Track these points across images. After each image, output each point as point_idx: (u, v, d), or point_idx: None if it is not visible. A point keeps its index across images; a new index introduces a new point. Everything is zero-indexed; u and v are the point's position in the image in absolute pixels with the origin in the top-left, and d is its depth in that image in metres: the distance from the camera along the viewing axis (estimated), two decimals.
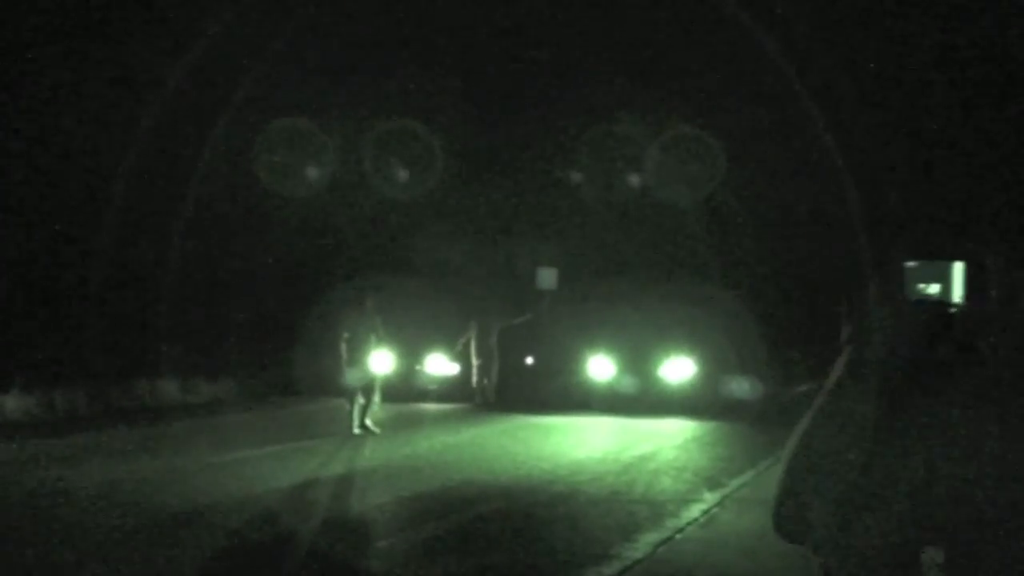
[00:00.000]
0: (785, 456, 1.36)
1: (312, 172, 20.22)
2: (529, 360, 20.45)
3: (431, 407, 17.50)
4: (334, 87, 19.29)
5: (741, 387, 18.33)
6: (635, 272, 20.31)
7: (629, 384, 18.28)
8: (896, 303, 1.43)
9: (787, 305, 20.12)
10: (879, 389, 1.35)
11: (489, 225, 21.66)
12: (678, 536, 7.93)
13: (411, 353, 18.05)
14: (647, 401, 17.48)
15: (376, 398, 13.30)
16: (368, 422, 13.31)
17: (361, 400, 13.21)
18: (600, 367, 18.64)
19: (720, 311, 18.05)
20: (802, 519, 1.28)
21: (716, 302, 18.27)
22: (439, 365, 19.39)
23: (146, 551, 7.25)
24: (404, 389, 16.89)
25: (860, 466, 1.23)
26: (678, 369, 18.30)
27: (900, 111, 18.23)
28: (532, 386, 18.86)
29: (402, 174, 21.20)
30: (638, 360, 18.41)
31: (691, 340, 18.28)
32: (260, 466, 10.73)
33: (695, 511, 8.82)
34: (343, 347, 13.12)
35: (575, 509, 8.89)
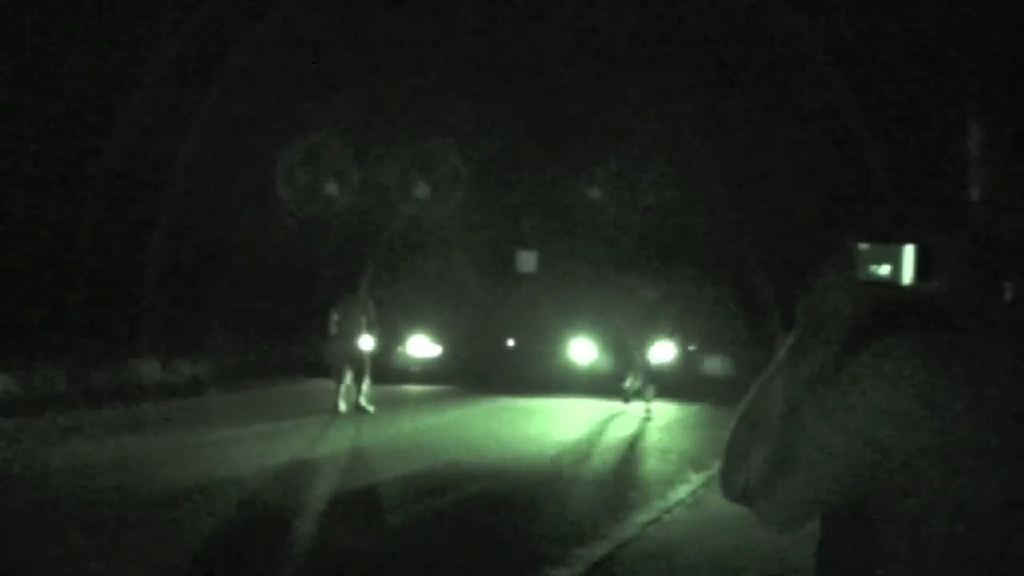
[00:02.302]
0: (733, 423, 1.41)
1: (331, 188, 20.16)
2: (510, 342, 20.51)
3: (413, 388, 17.49)
4: (336, 100, 19.20)
5: (714, 365, 18.44)
6: (615, 255, 20.35)
7: (610, 366, 18.34)
8: (846, 281, 1.47)
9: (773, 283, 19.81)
10: (821, 360, 1.40)
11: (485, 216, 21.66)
12: (666, 516, 7.99)
13: (392, 334, 18.04)
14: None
15: (366, 377, 13.53)
16: (362, 401, 13.51)
17: (348, 380, 13.38)
18: (582, 350, 18.70)
19: (698, 291, 18.15)
20: (743, 480, 1.34)
21: (694, 283, 18.35)
22: (421, 347, 19.40)
23: (133, 532, 7.22)
24: (386, 371, 16.88)
25: (787, 429, 1.28)
26: (658, 352, 18.36)
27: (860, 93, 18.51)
28: (513, 368, 18.90)
29: (421, 189, 21.15)
30: (619, 342, 18.46)
31: (670, 322, 18.34)
32: (246, 446, 10.70)
33: (682, 492, 8.88)
34: (333, 327, 13.31)
35: (563, 490, 8.93)
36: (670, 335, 17.57)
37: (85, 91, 15.92)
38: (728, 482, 1.37)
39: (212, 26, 16.46)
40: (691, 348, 18.20)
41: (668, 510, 8.19)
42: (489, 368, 18.74)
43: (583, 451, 11.08)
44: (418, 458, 10.28)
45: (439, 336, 19.56)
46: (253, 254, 19.61)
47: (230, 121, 17.43)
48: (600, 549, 6.95)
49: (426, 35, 19.84)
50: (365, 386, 13.57)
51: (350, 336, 13.37)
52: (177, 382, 17.26)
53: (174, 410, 13.91)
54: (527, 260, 21.31)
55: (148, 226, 17.15)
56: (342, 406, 13.38)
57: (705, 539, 7.39)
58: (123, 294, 17.31)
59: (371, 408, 13.52)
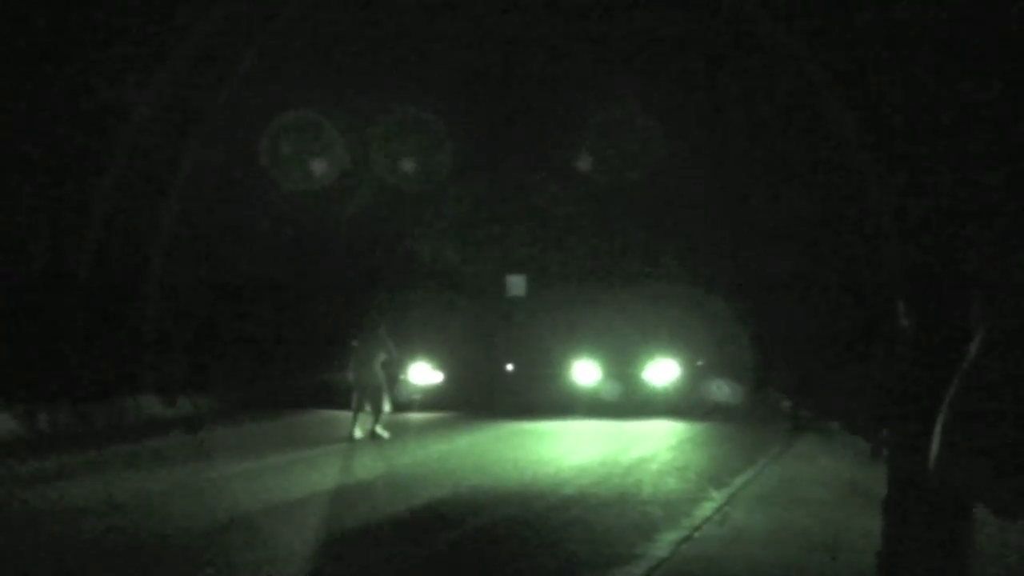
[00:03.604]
0: (939, 422, 1.46)
1: (318, 165, 20.11)
2: (509, 367, 20.47)
3: (417, 416, 17.43)
4: (328, 79, 19.17)
5: (721, 390, 18.40)
6: (615, 275, 20.35)
7: (614, 388, 18.36)
8: None
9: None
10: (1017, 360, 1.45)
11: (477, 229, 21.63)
12: (696, 534, 7.99)
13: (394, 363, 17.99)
14: (632, 404, 17.57)
15: (386, 407, 13.74)
16: (378, 428, 13.77)
17: (366, 408, 13.63)
18: (585, 372, 18.70)
19: (704, 313, 18.18)
20: (956, 471, 1.39)
21: (700, 304, 18.37)
22: (423, 374, 19.35)
23: (157, 568, 7.16)
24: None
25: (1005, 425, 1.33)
26: (662, 371, 18.41)
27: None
28: (515, 392, 18.85)
29: (408, 165, 21.10)
30: (622, 363, 18.49)
31: (675, 342, 18.40)
32: (262, 479, 10.63)
33: (707, 509, 8.90)
34: (352, 358, 13.80)
35: (588, 511, 8.92)
36: None
37: (80, 124, 15.86)
38: (951, 471, 1.40)
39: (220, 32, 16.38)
40: (699, 364, 18.12)
41: (697, 527, 8.20)
42: (490, 393, 18.70)
43: (601, 472, 11.08)
44: (439, 484, 10.25)
45: (439, 363, 19.52)
46: (251, 288, 19.56)
47: (227, 147, 17.45)
48: (637, 569, 6.95)
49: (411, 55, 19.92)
50: (383, 414, 13.81)
51: (368, 367, 13.73)
52: (179, 416, 17.13)
53: (183, 446, 13.80)
54: (516, 284, 21.40)
55: (146, 260, 17.10)
56: (357, 433, 13.62)
57: (738, 555, 7.40)
58: (123, 329, 17.22)
59: (386, 434, 13.79)
